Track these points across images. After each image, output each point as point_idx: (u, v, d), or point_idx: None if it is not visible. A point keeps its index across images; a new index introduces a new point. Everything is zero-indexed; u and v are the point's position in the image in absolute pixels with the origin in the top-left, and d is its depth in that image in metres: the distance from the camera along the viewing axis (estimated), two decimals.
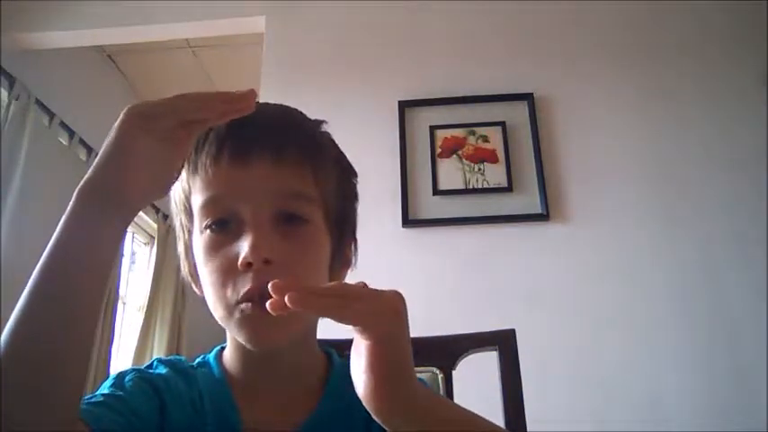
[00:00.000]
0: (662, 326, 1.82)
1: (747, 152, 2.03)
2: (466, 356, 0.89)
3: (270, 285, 0.44)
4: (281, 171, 0.62)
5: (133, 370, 0.64)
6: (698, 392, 1.73)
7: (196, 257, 0.64)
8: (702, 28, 2.24)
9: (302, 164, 0.63)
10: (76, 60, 3.20)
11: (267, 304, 0.44)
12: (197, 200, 0.63)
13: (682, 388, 1.74)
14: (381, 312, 0.47)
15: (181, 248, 0.69)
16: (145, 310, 3.69)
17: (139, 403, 0.59)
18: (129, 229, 3.71)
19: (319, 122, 0.70)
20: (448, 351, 0.89)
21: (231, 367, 0.67)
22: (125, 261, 3.67)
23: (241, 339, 0.61)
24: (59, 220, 0.50)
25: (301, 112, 0.70)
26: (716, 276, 1.86)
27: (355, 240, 0.72)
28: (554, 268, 1.93)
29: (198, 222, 0.63)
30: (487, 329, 0.91)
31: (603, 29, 2.29)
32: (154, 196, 0.56)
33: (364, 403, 0.47)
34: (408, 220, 2.01)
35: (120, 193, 0.52)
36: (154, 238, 4.00)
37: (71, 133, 3.04)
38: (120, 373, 0.64)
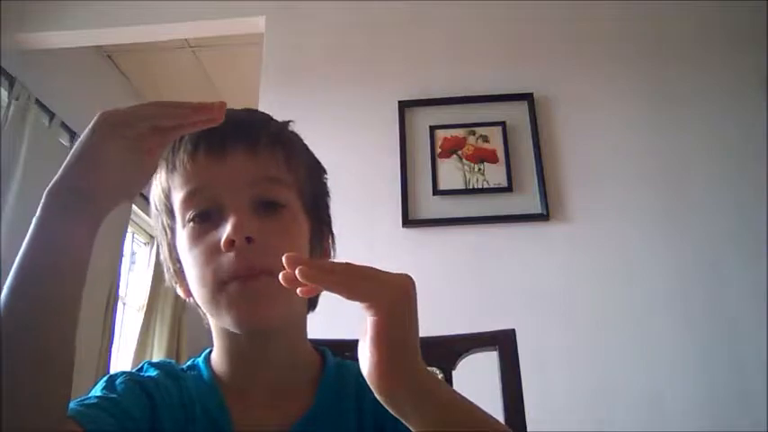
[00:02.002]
0: (662, 326, 1.82)
1: (747, 152, 2.03)
2: (466, 356, 0.89)
3: (284, 258, 0.45)
4: (255, 159, 0.65)
5: (123, 373, 0.65)
6: (698, 392, 1.73)
7: (180, 252, 0.66)
8: (702, 28, 2.24)
9: (274, 151, 0.67)
10: (76, 60, 3.20)
11: (280, 276, 0.46)
12: (177, 196, 0.65)
13: (682, 388, 1.74)
14: (388, 289, 0.48)
15: (164, 251, 0.70)
16: (145, 310, 3.69)
17: (132, 405, 0.59)
18: (130, 229, 3.70)
19: (286, 122, 0.73)
20: (448, 351, 0.89)
21: (220, 369, 0.67)
22: (125, 261, 3.67)
23: (229, 322, 0.62)
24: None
25: (268, 114, 0.73)
26: (716, 276, 1.86)
27: (332, 234, 0.74)
28: (554, 268, 1.93)
29: (180, 217, 0.65)
30: (487, 329, 0.91)
31: (604, 29, 2.29)
32: (122, 199, 0.56)
33: (367, 380, 0.47)
34: (408, 220, 2.01)
35: (87, 193, 0.52)
36: (154, 238, 4.00)
37: (71, 133, 3.04)
38: (111, 375, 0.64)
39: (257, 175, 0.64)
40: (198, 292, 0.63)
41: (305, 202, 0.68)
